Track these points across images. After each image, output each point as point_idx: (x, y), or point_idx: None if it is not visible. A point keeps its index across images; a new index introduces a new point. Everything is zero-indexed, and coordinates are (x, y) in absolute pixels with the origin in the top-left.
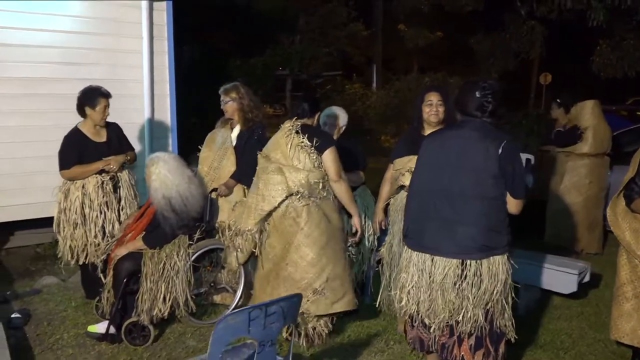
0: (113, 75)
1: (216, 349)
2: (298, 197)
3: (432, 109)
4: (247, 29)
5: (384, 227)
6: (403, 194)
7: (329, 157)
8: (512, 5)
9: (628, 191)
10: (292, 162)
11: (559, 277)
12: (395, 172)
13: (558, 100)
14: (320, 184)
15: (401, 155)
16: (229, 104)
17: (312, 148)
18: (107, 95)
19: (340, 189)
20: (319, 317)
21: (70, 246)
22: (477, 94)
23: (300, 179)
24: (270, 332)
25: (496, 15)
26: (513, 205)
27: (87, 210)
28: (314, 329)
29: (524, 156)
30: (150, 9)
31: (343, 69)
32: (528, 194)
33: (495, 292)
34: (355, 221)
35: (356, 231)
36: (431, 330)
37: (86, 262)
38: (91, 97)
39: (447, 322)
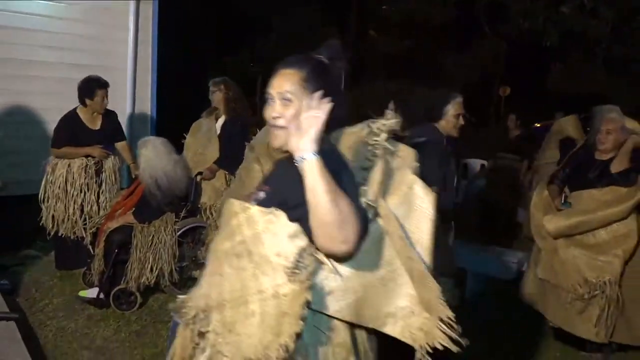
0: (98, 62)
1: None
2: None
3: None
4: (227, 29)
5: None
6: None
7: None
8: (478, 22)
9: (553, 179)
10: (273, 153)
11: (501, 264)
12: None
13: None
14: None
15: None
16: (216, 94)
17: None
18: (104, 85)
19: None
20: None
21: (52, 216)
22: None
23: None
24: None
25: (463, 30)
26: None
27: (69, 187)
28: None
29: (478, 162)
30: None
31: None
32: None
33: None
34: None
35: None
36: None
37: (62, 235)
38: (89, 89)
39: None
